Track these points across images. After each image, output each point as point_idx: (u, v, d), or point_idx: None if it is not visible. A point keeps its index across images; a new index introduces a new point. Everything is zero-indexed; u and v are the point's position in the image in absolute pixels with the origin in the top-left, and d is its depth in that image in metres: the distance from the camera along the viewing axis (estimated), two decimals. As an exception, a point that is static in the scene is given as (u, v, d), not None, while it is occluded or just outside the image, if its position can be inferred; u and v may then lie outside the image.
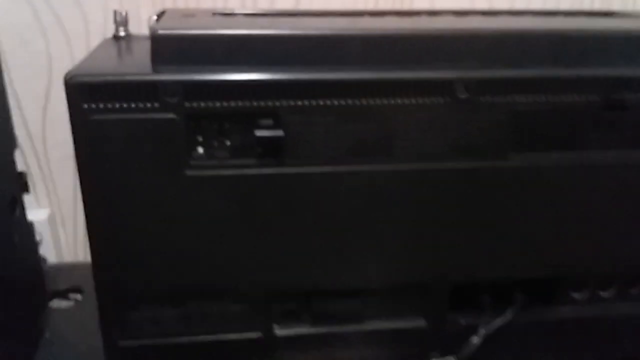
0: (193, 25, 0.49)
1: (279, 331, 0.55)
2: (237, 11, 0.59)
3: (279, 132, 0.47)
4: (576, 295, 0.58)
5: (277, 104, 0.47)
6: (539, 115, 0.49)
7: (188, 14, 0.54)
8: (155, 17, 0.52)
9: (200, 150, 0.48)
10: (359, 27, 0.49)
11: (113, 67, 0.48)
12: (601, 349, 0.59)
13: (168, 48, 0.46)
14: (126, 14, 0.57)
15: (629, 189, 0.52)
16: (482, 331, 0.54)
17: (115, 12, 0.57)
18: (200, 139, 0.48)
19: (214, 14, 0.57)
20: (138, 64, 0.49)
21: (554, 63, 0.49)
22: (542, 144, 0.50)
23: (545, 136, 0.50)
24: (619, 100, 0.49)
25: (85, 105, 0.45)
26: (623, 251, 0.55)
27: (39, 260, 0.69)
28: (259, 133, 0.47)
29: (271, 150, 0.48)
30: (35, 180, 0.87)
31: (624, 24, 0.55)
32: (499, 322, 0.55)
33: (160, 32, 0.47)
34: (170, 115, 0.46)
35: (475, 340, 0.55)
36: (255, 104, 0.47)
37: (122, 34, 0.58)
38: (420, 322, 0.56)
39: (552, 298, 0.58)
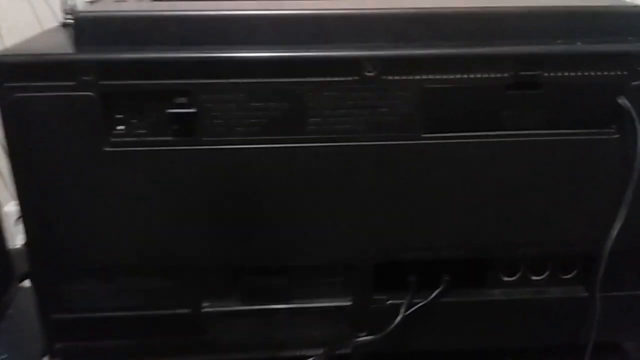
0: (113, 8, 0.51)
1: (208, 308, 0.56)
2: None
3: (191, 110, 0.49)
4: (507, 279, 0.57)
5: (190, 82, 0.48)
6: (451, 93, 0.49)
7: (122, -1, 0.57)
8: (89, 2, 0.55)
9: (121, 127, 0.50)
10: (269, 8, 0.50)
11: (38, 48, 0.50)
12: (532, 332, 0.59)
13: (87, 29, 0.49)
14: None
15: (546, 170, 0.52)
16: (402, 311, 0.55)
17: (61, 0, 0.59)
18: (120, 116, 0.50)
19: (149, -2, 0.58)
20: (63, 46, 0.51)
21: (462, 42, 0.49)
22: (455, 122, 0.50)
23: (458, 114, 0.50)
24: (529, 77, 0.48)
25: (8, 84, 0.47)
26: (546, 234, 0.54)
27: (5, 244, 0.72)
28: (172, 110, 0.49)
29: (185, 127, 0.49)
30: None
31: (542, 2, 0.55)
32: (420, 302, 0.55)
33: (80, 14, 0.49)
34: (87, 93, 0.48)
35: (396, 319, 0.55)
36: (168, 82, 0.48)
37: (69, 21, 0.60)
38: (346, 301, 0.57)
39: (483, 280, 0.57)
